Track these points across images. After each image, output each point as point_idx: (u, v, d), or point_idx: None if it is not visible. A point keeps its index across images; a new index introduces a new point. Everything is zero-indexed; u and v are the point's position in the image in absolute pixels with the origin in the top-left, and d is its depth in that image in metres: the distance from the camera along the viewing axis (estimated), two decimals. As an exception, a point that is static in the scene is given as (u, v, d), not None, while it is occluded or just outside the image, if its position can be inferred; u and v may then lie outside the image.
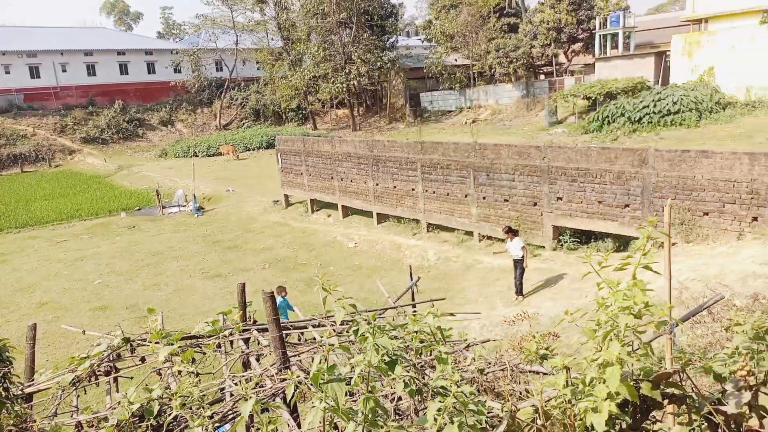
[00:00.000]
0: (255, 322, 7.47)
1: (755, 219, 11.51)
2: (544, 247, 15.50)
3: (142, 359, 4.87)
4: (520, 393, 3.51)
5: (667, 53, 30.59)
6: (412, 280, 9.39)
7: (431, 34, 48.19)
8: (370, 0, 45.82)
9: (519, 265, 13.01)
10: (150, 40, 68.93)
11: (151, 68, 60.09)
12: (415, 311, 8.78)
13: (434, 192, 18.55)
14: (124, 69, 58.62)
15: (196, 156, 44.97)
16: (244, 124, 55.80)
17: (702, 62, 28.65)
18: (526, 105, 40.11)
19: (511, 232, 13.36)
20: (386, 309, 8.50)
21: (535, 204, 15.63)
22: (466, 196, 17.47)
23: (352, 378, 2.28)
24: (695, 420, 2.37)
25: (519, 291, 13.07)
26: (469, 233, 17.72)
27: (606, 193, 13.98)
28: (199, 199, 28.74)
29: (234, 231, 23.89)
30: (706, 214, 12.18)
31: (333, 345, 2.28)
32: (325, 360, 2.17)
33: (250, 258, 20.07)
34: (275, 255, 20.09)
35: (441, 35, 45.76)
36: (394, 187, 19.98)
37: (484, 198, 16.96)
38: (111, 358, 4.75)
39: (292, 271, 18.31)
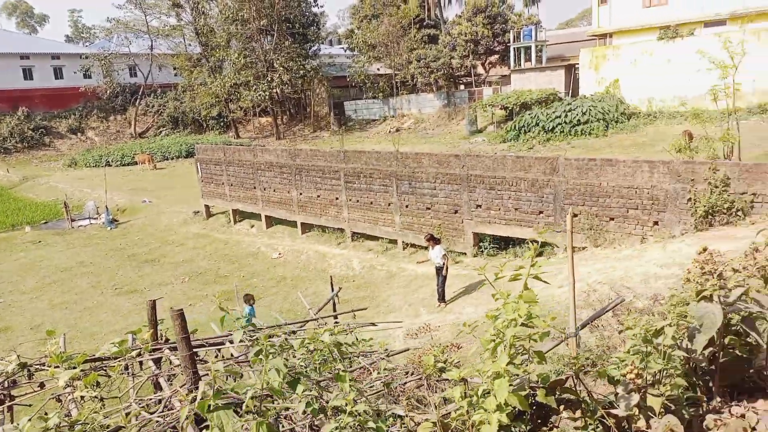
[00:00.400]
0: (167, 340, 7.15)
1: (656, 223, 12.34)
2: (465, 253, 15.89)
3: (41, 385, 4.54)
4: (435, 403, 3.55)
5: (576, 66, 32.38)
6: (333, 290, 9.32)
7: (353, 43, 48.47)
8: (291, 8, 45.50)
9: (441, 272, 13.26)
10: (57, 43, 64.81)
11: (58, 73, 56.54)
12: (336, 322, 8.73)
13: (358, 201, 18.58)
14: (28, 74, 54.79)
15: (110, 165, 42.72)
16: (161, 132, 53.67)
17: (608, 75, 30.52)
18: (447, 114, 41.13)
19: (433, 240, 13.62)
20: (306, 321, 8.40)
21: (456, 212, 16.00)
22: (389, 204, 17.63)
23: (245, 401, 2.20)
24: (590, 424, 2.49)
25: (441, 298, 13.30)
26: (393, 241, 17.88)
27: (521, 200, 14.54)
28: (112, 211, 27.28)
29: (151, 244, 22.87)
30: (612, 219, 12.94)
31: (219, 370, 2.19)
32: (212, 386, 2.08)
33: (169, 272, 19.26)
34: (195, 268, 19.40)
35: (363, 45, 46.13)
36: (318, 196, 19.84)
37: (407, 206, 17.18)
38: (5, 386, 4.40)
39: (213, 284, 17.74)
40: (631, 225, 12.66)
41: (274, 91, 44.93)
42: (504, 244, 15.73)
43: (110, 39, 56.98)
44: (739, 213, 11.07)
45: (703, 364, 3.57)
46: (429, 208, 16.61)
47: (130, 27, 52.96)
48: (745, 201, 11.06)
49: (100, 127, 55.20)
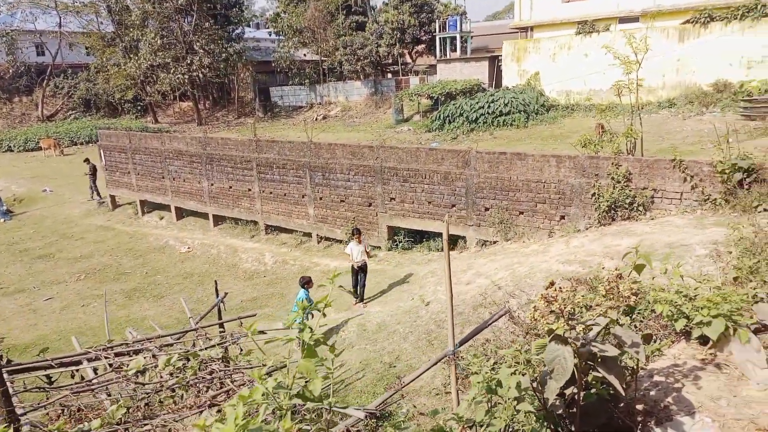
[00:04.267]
0: (9, 362, 6.25)
1: (563, 217, 12.37)
2: (379, 247, 15.51)
3: None
4: None
5: (500, 58, 32.65)
6: (218, 296, 8.62)
7: (279, 27, 46.91)
8: (212, -13, 43.41)
9: (363, 269, 12.65)
10: (-49, 16, 59.03)
11: (-48, 49, 51.51)
12: (222, 331, 8.06)
13: (271, 192, 17.78)
14: None
15: (11, 151, 39.44)
16: (71, 115, 50.10)
17: (529, 67, 30.94)
18: (375, 102, 40.64)
19: (359, 234, 12.90)
20: (185, 332, 7.69)
21: (370, 204, 15.56)
22: (303, 196, 16.96)
23: None
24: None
25: (361, 297, 12.67)
26: (308, 235, 17.25)
27: (435, 193, 14.27)
28: (7, 201, 25.03)
29: (48, 237, 21.09)
30: (522, 213, 12.88)
31: None
32: None
33: (64, 268, 17.77)
34: (94, 264, 18.01)
35: (289, 29, 44.74)
36: (230, 187, 18.87)
37: (321, 198, 16.57)
38: None
39: (113, 281, 16.51)
40: (540, 219, 12.65)
41: (195, 74, 42.76)
42: (419, 237, 15.47)
43: (13, 14, 52.42)
44: (640, 208, 11.22)
45: (560, 411, 3.23)
46: (343, 201, 16.08)
47: (36, 2, 48.87)
48: (646, 196, 11.22)
49: (3, 110, 50.87)
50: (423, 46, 42.57)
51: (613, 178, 11.43)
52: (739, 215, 9.32)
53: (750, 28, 23.76)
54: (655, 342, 4.49)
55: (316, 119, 41.52)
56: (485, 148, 20.10)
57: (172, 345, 7.19)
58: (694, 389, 4.08)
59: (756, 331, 4.28)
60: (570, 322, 3.27)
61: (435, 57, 39.40)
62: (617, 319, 3.14)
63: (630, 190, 11.29)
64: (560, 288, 3.44)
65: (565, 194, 12.20)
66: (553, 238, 12.02)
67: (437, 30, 38.32)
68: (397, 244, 15.31)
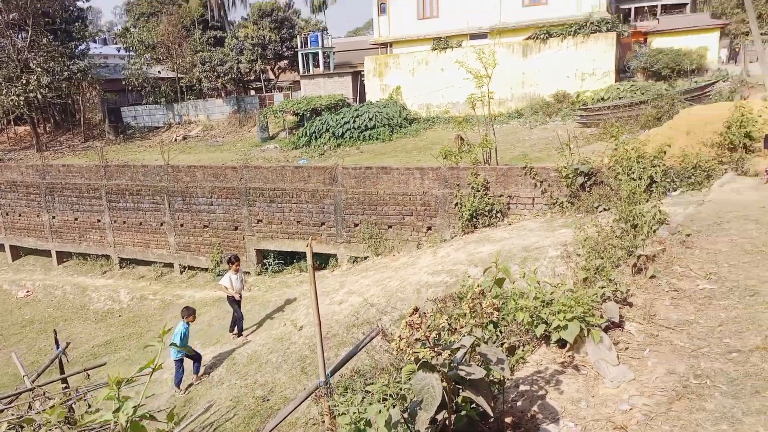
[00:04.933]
0: None
1: (429, 228, 12.61)
2: (249, 272, 14.77)
3: None
4: None
5: (363, 73, 33.19)
6: (59, 347, 7.54)
7: (129, 42, 43.85)
8: (49, 0, 39.45)
9: (239, 300, 11.45)
10: None
11: None
12: (65, 387, 7.04)
13: (125, 222, 16.29)
14: None
15: None
16: None
17: (391, 82, 31.78)
18: (238, 120, 39.32)
19: (237, 262, 11.43)
20: (19, 393, 6.59)
21: (236, 228, 14.80)
22: (162, 224, 15.73)
23: None
24: None
25: (240, 330, 11.55)
26: (169, 265, 16.01)
27: (303, 212, 13.91)
28: None
29: None
30: (391, 227, 12.95)
31: None
32: None
33: None
34: None
35: (140, 45, 41.97)
36: (76, 219, 17.01)
37: (182, 225, 15.47)
38: None
39: (-70, 339, 14.04)
40: (408, 231, 12.79)
41: (32, 95, 38.49)
42: (290, 258, 14.98)
43: None
44: (498, 214, 11.75)
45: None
46: (207, 226, 15.14)
47: None
48: (503, 203, 11.77)
49: None
50: (286, 62, 42.09)
51: (473, 188, 11.87)
52: (583, 216, 10.06)
53: (582, 43, 26.37)
54: (518, 350, 4.53)
55: (175, 140, 39.22)
56: (353, 162, 20.15)
57: (2, 411, 6.12)
58: (557, 394, 4.14)
59: (606, 329, 4.48)
60: (435, 348, 3.14)
61: (299, 73, 39.13)
62: (482, 337, 3.07)
63: (489, 198, 11.78)
64: (424, 313, 3.32)
65: (431, 205, 12.45)
66: (422, 250, 12.20)
67: (299, 46, 38.12)
68: (266, 268, 14.70)
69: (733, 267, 5.30)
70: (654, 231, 6.64)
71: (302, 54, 37.96)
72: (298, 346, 9.46)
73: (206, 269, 15.19)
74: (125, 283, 15.81)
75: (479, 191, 11.81)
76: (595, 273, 5.39)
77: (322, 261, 14.28)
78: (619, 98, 23.27)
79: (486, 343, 3.54)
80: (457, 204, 12.06)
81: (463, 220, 11.94)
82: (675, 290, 5.08)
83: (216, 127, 39.96)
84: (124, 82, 44.28)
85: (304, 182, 13.84)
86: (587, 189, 10.70)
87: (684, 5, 35.21)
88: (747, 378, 3.43)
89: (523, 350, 4.79)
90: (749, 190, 8.20)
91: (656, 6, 35.43)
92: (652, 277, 5.30)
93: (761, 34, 27.77)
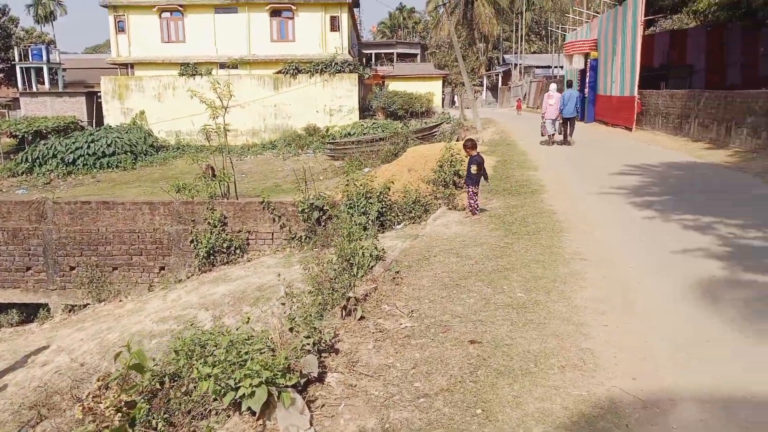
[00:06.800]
0: None
1: (163, 268, 11.52)
2: (-77, 334, 11.66)
3: None
4: None
5: (99, 94, 29.88)
6: None
7: None
8: None
9: None
10: None
11: None
12: None
13: None
14: None
15: None
16: None
17: (134, 106, 29.16)
18: (-68, 141, 31.92)
19: None
20: None
21: None
22: None
23: None
24: None
25: None
26: None
27: (3, 255, 11.55)
28: None
29: None
30: (116, 268, 11.50)
31: None
32: None
33: None
34: None
35: None
36: None
37: None
38: None
39: None
40: (137, 273, 11.51)
41: None
42: (-13, 312, 12.27)
43: None
44: (238, 251, 11.28)
45: None
46: None
47: None
48: (242, 238, 11.35)
49: None
50: (1, 75, 35.81)
51: (209, 223, 11.22)
52: (319, 251, 10.18)
53: (327, 81, 27.73)
54: (207, 419, 4.07)
55: None
56: (85, 193, 17.71)
57: None
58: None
59: (307, 384, 4.19)
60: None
61: (17, 89, 33.55)
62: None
63: (227, 234, 11.25)
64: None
65: (163, 243, 11.41)
66: (152, 293, 11.04)
67: (18, 58, 32.74)
68: (-46, 327, 11.79)
69: (432, 302, 5.27)
70: (371, 267, 6.79)
71: (22, 68, 32.67)
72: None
73: None
74: None
75: (216, 227, 11.21)
76: (302, 321, 5.16)
77: (31, 312, 12.00)
78: (363, 134, 24.92)
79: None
80: (192, 241, 11.25)
81: (200, 258, 11.17)
82: (380, 331, 4.97)
83: None
84: None
85: (2, 219, 11.52)
86: (322, 224, 10.91)
87: (415, 55, 39.86)
88: (429, 427, 3.39)
89: (209, 423, 4.23)
90: (455, 224, 9.13)
91: (393, 53, 39.38)
92: (362, 318, 5.21)
93: (473, 85, 32.71)
